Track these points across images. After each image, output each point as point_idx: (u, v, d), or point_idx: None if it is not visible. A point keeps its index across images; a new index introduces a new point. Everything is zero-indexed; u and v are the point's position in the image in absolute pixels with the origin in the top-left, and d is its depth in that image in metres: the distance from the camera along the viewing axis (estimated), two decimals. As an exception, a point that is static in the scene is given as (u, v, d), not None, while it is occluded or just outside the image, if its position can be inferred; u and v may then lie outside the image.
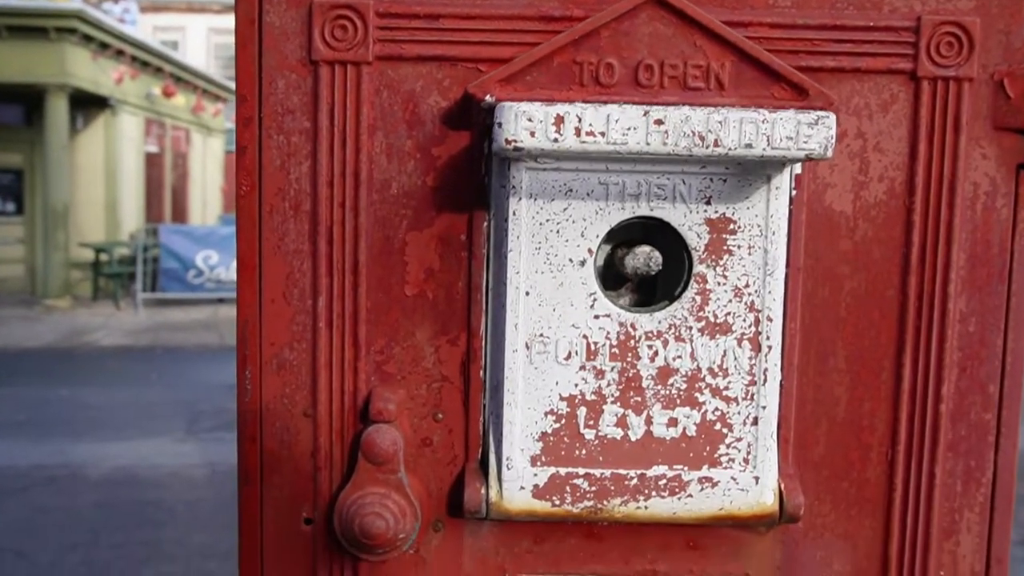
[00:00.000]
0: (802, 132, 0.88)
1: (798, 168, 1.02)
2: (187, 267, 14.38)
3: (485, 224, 1.02)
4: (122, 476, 7.02)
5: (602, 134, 0.88)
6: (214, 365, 11.24)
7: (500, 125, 0.89)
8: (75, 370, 10.93)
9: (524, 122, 0.88)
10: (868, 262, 1.05)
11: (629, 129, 0.88)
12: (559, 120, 0.88)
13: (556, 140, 0.88)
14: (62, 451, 7.58)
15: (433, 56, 1.01)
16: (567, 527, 1.06)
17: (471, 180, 1.02)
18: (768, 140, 0.88)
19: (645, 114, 0.88)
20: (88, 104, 15.69)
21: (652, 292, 1.06)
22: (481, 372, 1.04)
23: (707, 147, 0.88)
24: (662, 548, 1.07)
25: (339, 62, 1.01)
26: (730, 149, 0.88)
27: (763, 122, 0.88)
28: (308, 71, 1.01)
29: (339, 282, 1.03)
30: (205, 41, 26.40)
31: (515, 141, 0.88)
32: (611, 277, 1.05)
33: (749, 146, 0.88)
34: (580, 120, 0.88)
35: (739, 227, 0.99)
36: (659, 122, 0.88)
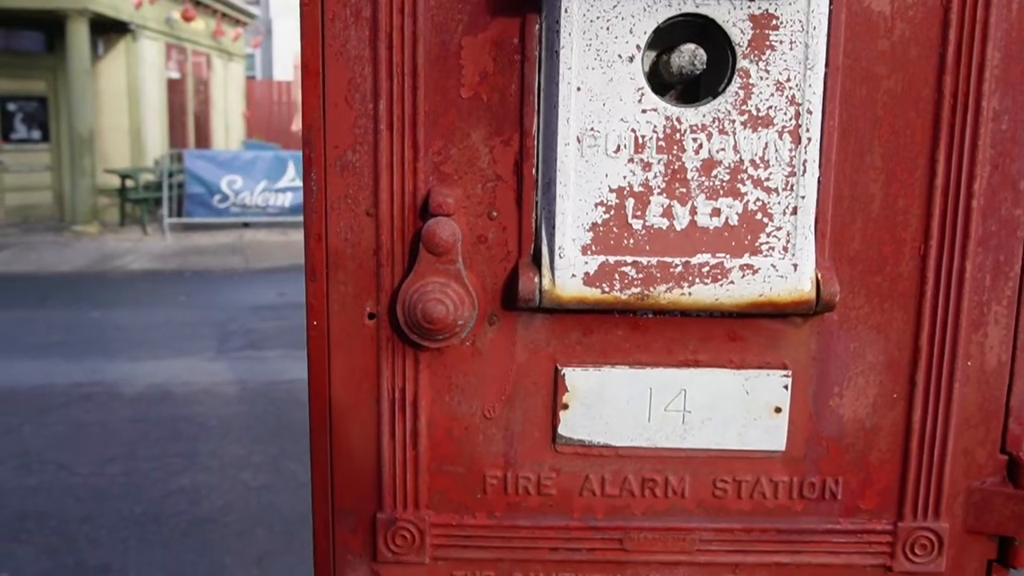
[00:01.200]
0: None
1: (839, -32, 1.06)
2: (212, 192, 14.48)
3: (537, 28, 1.07)
4: (156, 393, 7.21)
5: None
6: (242, 287, 11.39)
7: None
8: (106, 293, 11.12)
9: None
10: (905, 62, 1.09)
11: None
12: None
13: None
14: (97, 370, 7.78)
15: None
16: (614, 319, 1.13)
17: None
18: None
19: None
20: (108, 30, 15.64)
21: (695, 99, 1.10)
22: (533, 170, 1.09)
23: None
24: (703, 339, 1.13)
25: None
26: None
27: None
28: None
29: (399, 86, 1.08)
30: (223, -36, 26.11)
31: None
32: (656, 86, 1.09)
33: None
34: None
35: (781, 23, 1.03)
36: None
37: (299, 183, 14.41)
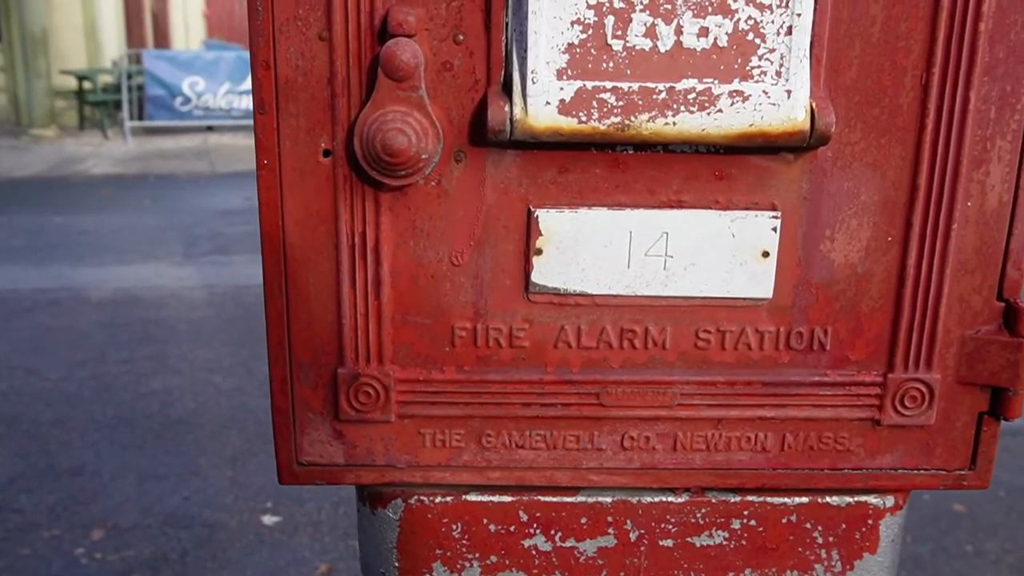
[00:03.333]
0: None
1: None
2: (174, 94, 14.05)
3: None
4: (124, 297, 7.11)
5: None
6: (207, 191, 11.19)
7: None
8: (68, 198, 10.88)
9: None
10: None
11: None
12: None
13: None
14: (62, 275, 7.65)
15: None
16: (591, 156, 1.04)
17: None
18: None
19: None
20: (58, -79, 14.90)
21: None
22: None
23: None
24: (688, 178, 1.05)
25: None
26: None
27: None
28: None
29: None
30: None
31: None
32: None
33: None
34: None
35: None
36: None
37: (264, 84, 14.01)
